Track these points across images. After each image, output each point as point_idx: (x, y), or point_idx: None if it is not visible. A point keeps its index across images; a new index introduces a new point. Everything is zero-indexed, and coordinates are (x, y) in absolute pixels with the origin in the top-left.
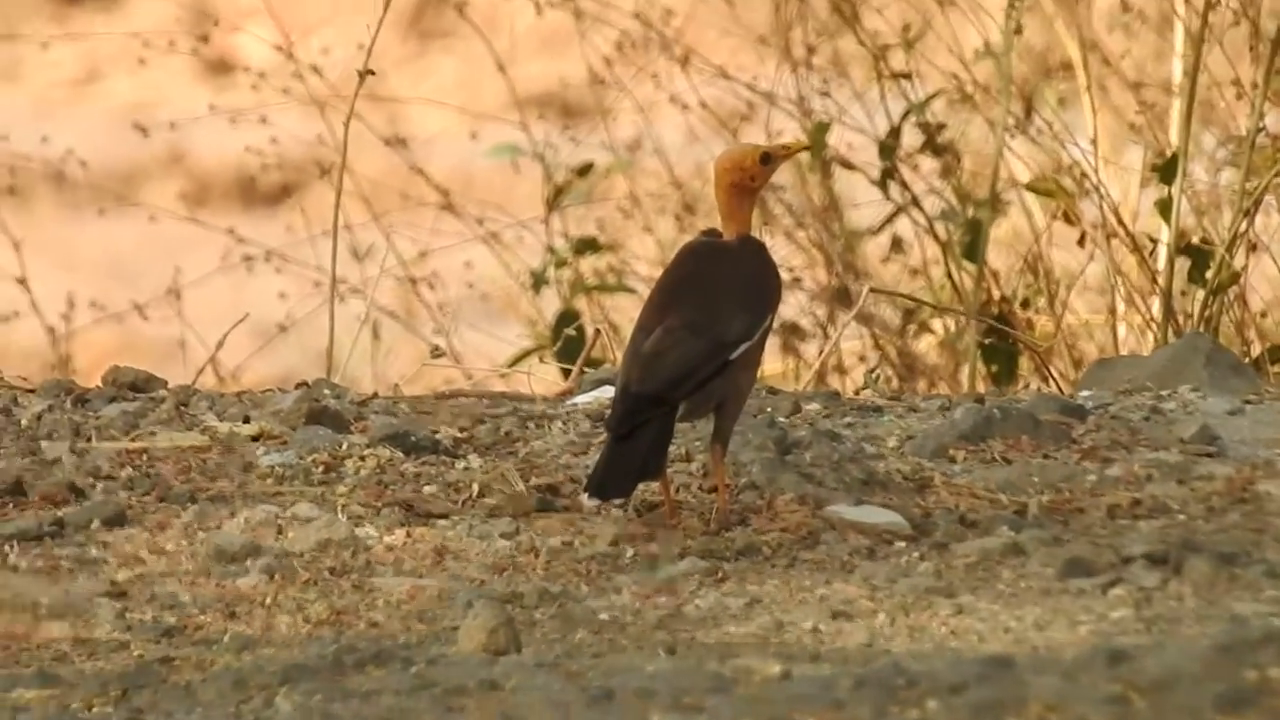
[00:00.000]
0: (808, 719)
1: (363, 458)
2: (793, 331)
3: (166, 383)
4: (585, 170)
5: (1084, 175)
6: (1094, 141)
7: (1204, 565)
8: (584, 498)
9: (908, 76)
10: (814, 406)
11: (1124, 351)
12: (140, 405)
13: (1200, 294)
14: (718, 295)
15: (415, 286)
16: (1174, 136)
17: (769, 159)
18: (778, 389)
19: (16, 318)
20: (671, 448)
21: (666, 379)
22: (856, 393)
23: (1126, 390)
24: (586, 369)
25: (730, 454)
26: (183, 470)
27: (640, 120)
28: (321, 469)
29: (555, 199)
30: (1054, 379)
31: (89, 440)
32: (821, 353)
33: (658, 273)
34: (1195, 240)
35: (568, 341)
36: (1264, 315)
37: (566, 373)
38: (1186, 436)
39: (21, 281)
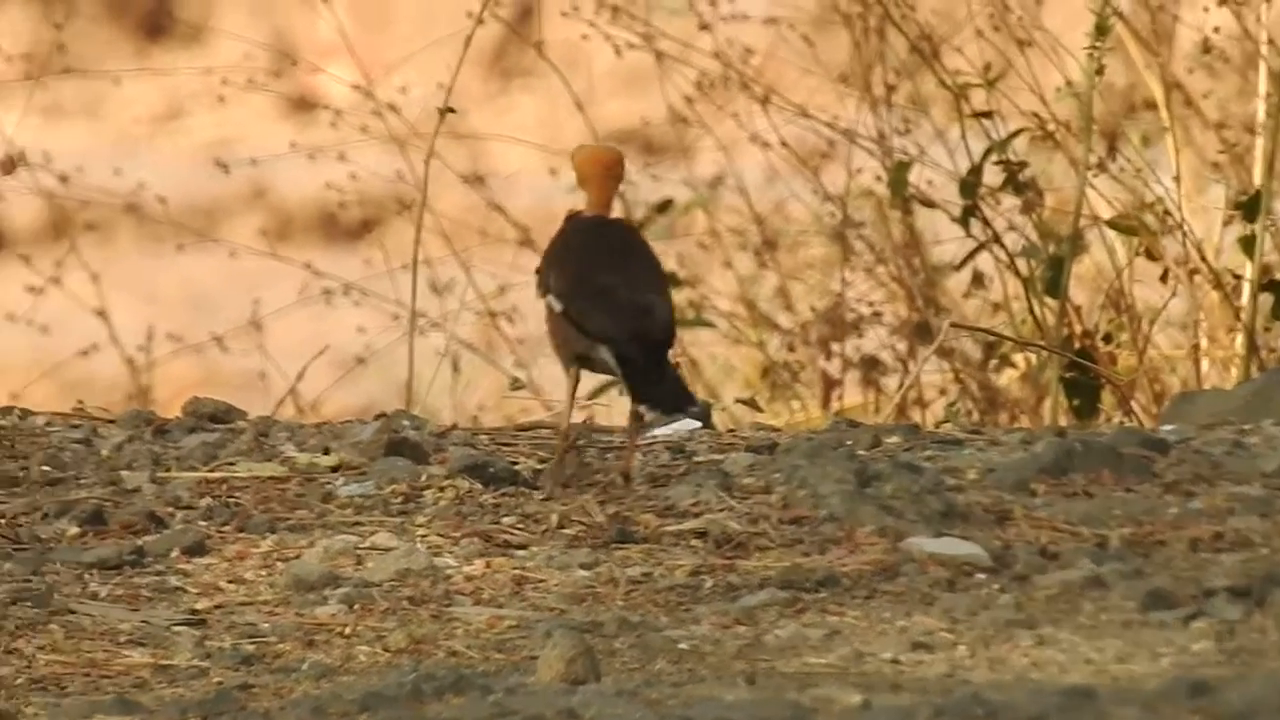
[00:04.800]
0: None
1: (442, 489)
2: (873, 365)
3: (246, 414)
4: (665, 206)
5: (1166, 212)
6: (1176, 179)
7: None
8: (643, 409)
9: (989, 115)
10: (894, 439)
11: (1206, 387)
12: (220, 436)
13: None
14: (652, 266)
15: (494, 320)
16: (1257, 175)
17: None
18: (858, 421)
19: (97, 350)
20: (750, 479)
21: (666, 328)
22: (937, 426)
23: (1209, 424)
24: None
25: (809, 486)
26: (262, 500)
27: (721, 158)
28: (400, 500)
29: None
30: (1136, 413)
31: (169, 470)
32: (902, 386)
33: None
34: (1278, 276)
35: None
36: None
37: None
38: (1269, 470)
39: (101, 314)
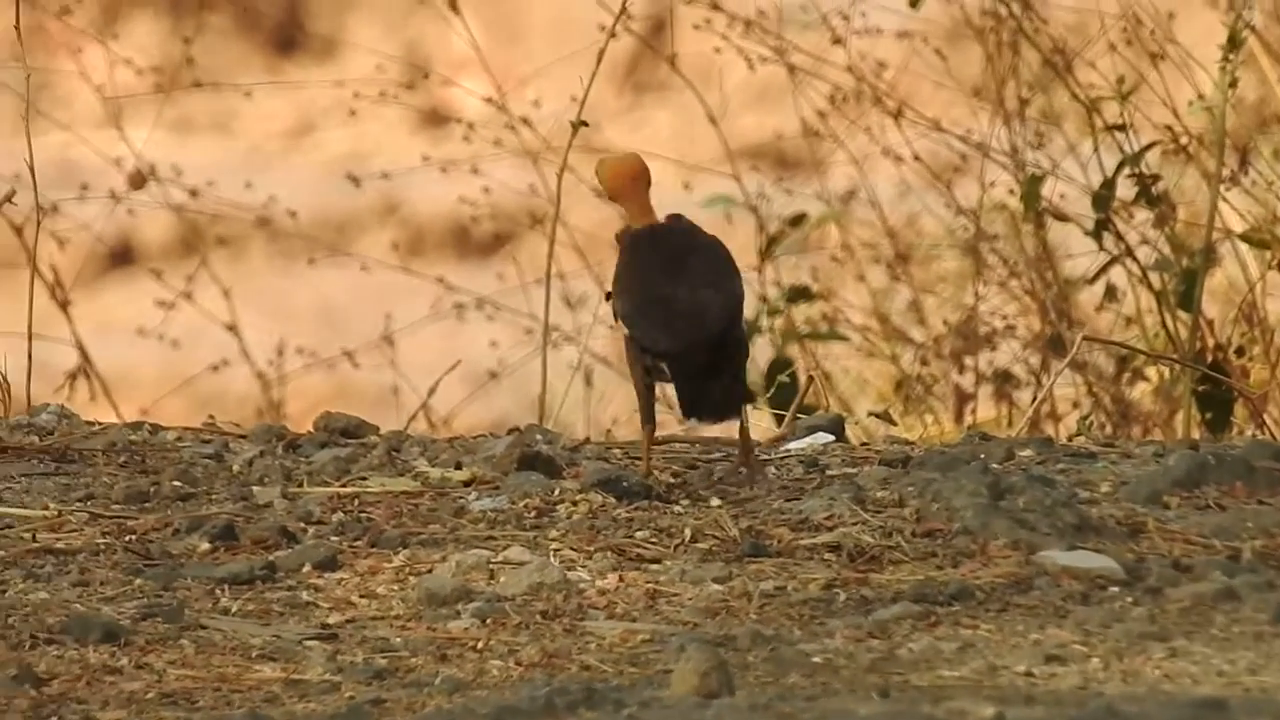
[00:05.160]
0: None
1: (575, 503)
2: (1006, 379)
3: (378, 428)
4: (798, 220)
5: None
6: None
7: None
8: (691, 421)
9: (1121, 128)
10: (1028, 453)
11: None
12: (352, 451)
13: None
14: (711, 262)
15: None
16: None
17: None
18: (991, 435)
19: (228, 365)
20: (884, 492)
21: (722, 321)
22: (1070, 439)
23: None
24: (800, 415)
25: (943, 499)
26: (394, 515)
27: (854, 172)
28: (533, 514)
29: (769, 248)
30: (1268, 426)
31: (300, 485)
32: (1035, 400)
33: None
34: None
35: (781, 388)
36: None
37: (779, 419)
38: None
39: (231, 328)
